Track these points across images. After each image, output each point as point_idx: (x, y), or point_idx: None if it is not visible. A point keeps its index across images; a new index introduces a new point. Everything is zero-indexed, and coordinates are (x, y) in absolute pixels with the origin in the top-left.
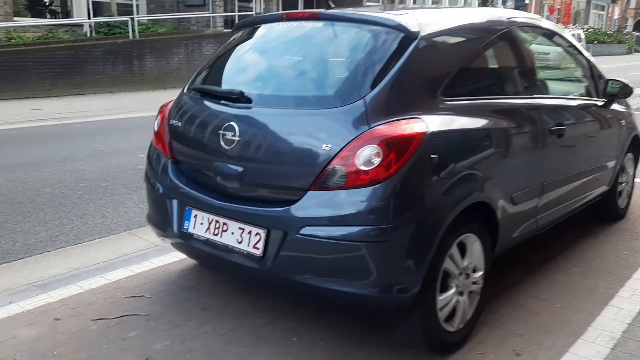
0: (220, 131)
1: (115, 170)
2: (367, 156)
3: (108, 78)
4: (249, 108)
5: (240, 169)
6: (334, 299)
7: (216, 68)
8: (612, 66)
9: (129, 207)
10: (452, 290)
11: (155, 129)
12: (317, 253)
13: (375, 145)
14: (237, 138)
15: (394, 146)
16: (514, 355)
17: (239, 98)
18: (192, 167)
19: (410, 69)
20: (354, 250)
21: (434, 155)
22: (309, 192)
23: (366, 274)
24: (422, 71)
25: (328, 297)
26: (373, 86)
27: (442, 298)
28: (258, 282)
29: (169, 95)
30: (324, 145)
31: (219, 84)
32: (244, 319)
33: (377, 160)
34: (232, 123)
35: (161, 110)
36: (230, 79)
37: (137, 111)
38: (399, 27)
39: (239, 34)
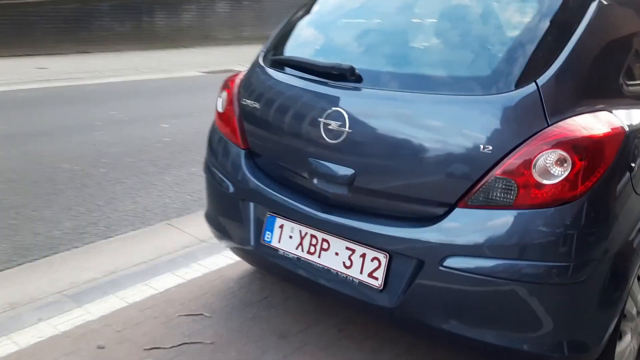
0: (321, 119)
1: (140, 144)
2: (547, 165)
3: (116, 35)
4: (362, 89)
5: (350, 170)
6: (484, 351)
7: (303, 32)
8: None
9: (162, 190)
10: (628, 336)
11: (220, 109)
12: (469, 294)
13: (559, 151)
14: (346, 129)
15: (586, 152)
16: None
17: (346, 75)
18: (274, 162)
19: (591, 40)
20: (526, 294)
21: (633, 164)
22: (457, 210)
23: (538, 325)
24: (605, 43)
25: (474, 348)
26: (546, 65)
27: (619, 350)
28: (374, 317)
29: (182, 56)
30: (481, 147)
31: (312, 54)
32: (334, 350)
33: (561, 172)
34: (339, 109)
35: (226, 86)
36: (328, 49)
37: (149, 72)
38: None
39: None
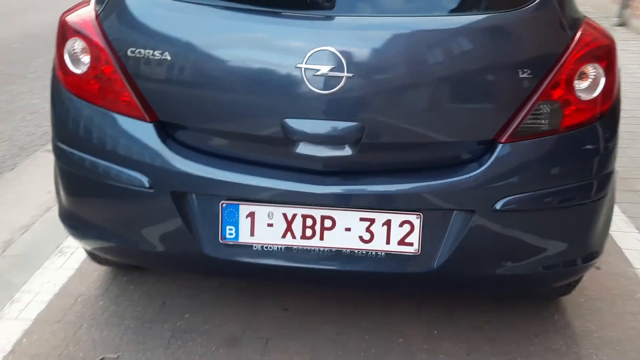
0: (301, 64)
1: None
2: (585, 80)
3: None
4: (353, 18)
5: (354, 124)
6: (532, 283)
7: None
8: None
9: None
10: None
11: (76, 69)
12: (523, 231)
13: (594, 64)
14: (344, 74)
15: (611, 61)
16: None
17: (325, 2)
18: (209, 132)
19: None
20: (573, 216)
21: None
22: (502, 146)
23: (571, 243)
24: None
25: (512, 284)
26: None
27: None
28: (405, 287)
29: None
30: (519, 72)
31: None
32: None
33: (597, 85)
34: (329, 49)
35: (75, 31)
36: None
37: None
38: None
39: None
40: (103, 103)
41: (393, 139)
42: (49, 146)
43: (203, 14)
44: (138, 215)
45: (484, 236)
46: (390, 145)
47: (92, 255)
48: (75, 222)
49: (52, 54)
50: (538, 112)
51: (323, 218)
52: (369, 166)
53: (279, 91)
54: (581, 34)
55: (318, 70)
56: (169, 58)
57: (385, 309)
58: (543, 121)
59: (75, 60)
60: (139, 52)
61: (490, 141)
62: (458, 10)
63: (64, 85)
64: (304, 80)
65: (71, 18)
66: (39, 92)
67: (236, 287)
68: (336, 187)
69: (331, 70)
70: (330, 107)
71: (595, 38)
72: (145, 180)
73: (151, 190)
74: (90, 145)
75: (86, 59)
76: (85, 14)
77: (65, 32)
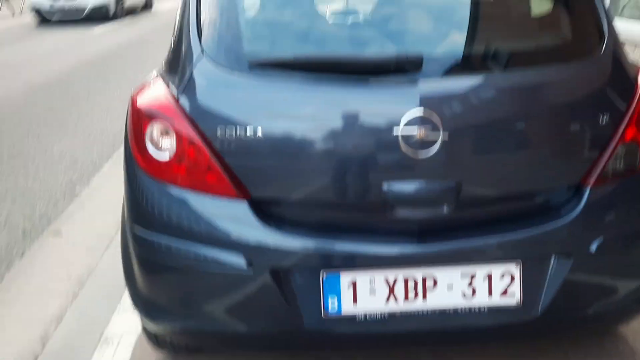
0: (398, 128)
1: None
2: None
3: None
4: (440, 80)
5: (452, 183)
6: (621, 317)
7: (288, 21)
8: None
9: None
10: None
11: (164, 155)
12: (619, 269)
13: None
14: (440, 135)
15: None
16: None
17: (415, 66)
18: (309, 205)
19: None
20: None
21: None
22: (590, 189)
23: None
24: None
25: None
26: (600, 26)
27: None
28: (508, 338)
29: None
30: (598, 118)
31: (334, 47)
32: None
33: None
34: (424, 111)
35: (154, 115)
36: (346, 38)
37: None
38: None
39: None
40: (192, 185)
41: (488, 192)
42: (53, 228)
43: (290, 88)
44: (233, 296)
45: (582, 278)
46: (485, 199)
47: (154, 338)
48: (156, 308)
49: (24, 123)
50: (618, 154)
51: (425, 278)
52: (465, 222)
53: (375, 157)
54: (636, 76)
55: (413, 133)
56: (259, 135)
57: None
58: (623, 163)
59: (158, 146)
60: (228, 132)
61: (578, 185)
62: (536, 62)
63: (145, 171)
64: (400, 145)
65: (147, 102)
66: (20, 172)
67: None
68: (436, 246)
69: (426, 132)
70: (426, 169)
71: None
72: (242, 260)
73: (249, 270)
74: (178, 230)
75: (169, 142)
76: (162, 97)
77: (142, 117)
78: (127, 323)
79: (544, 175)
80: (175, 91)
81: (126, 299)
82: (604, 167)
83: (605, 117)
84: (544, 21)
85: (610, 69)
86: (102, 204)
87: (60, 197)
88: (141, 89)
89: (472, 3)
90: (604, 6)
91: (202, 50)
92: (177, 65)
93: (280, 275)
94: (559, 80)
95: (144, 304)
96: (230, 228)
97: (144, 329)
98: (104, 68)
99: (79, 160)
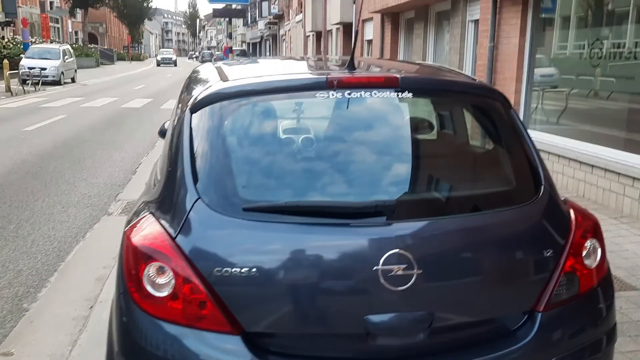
0: (378, 267)
1: None
2: (588, 251)
3: None
4: (412, 222)
5: (424, 313)
6: None
7: (274, 165)
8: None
9: None
10: None
11: (161, 290)
12: None
13: (590, 239)
14: (415, 271)
15: (598, 232)
16: None
17: (389, 211)
18: (295, 337)
19: None
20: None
21: None
22: (541, 314)
23: None
24: None
25: None
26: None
27: None
28: None
29: None
30: (545, 251)
31: (319, 193)
32: None
33: (595, 253)
34: (399, 251)
35: (152, 255)
36: (330, 183)
37: None
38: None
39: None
40: (187, 322)
41: (456, 319)
42: (2, 349)
43: (280, 230)
44: None
45: None
46: (454, 325)
47: None
48: None
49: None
50: (562, 282)
51: None
52: (437, 347)
53: (358, 292)
54: (575, 215)
55: (391, 270)
56: (252, 274)
57: None
58: (567, 289)
59: (155, 283)
60: (226, 271)
61: (531, 311)
62: (491, 206)
63: (140, 307)
64: (380, 281)
65: (145, 241)
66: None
67: None
68: None
69: (403, 269)
70: (403, 301)
71: (585, 217)
72: None
73: None
74: None
75: (167, 281)
76: (158, 236)
77: (140, 255)
78: None
79: (502, 302)
80: (171, 231)
81: None
82: (551, 293)
83: (548, 251)
84: (496, 171)
85: (548, 208)
86: (51, 321)
87: (7, 314)
88: (133, 225)
89: (433, 155)
90: (539, 155)
91: (198, 196)
92: (171, 206)
93: None
94: (509, 221)
95: None
96: None
97: None
98: (40, 169)
99: (23, 271)
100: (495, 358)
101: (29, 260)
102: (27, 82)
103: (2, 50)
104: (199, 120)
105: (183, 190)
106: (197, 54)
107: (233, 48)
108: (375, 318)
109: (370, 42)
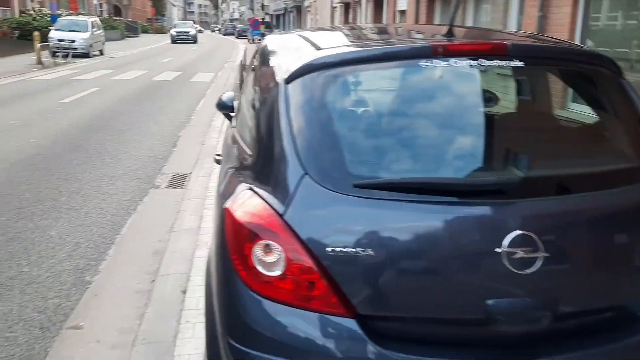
0: (500, 249)
1: None
2: None
3: None
4: (538, 200)
5: (550, 298)
6: None
7: (384, 147)
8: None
9: None
10: None
11: (274, 270)
12: None
13: None
14: (541, 254)
15: None
16: None
17: (510, 189)
18: (408, 321)
19: None
20: None
21: None
22: None
23: None
24: None
25: None
26: None
27: None
28: None
29: None
30: None
31: (434, 169)
32: None
33: None
34: (525, 232)
35: (258, 233)
36: (445, 159)
37: None
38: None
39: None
40: (299, 302)
41: (582, 305)
42: (71, 322)
43: (395, 208)
44: None
45: None
46: (579, 312)
47: None
48: None
49: (13, 203)
50: None
51: None
52: (562, 335)
53: (479, 275)
54: None
55: (516, 252)
56: (370, 254)
57: None
58: None
59: (264, 262)
60: (339, 251)
61: None
62: (616, 183)
63: (248, 286)
64: (503, 263)
65: (252, 219)
66: (23, 257)
67: None
68: (534, 358)
69: (528, 251)
70: (527, 285)
71: None
72: None
73: None
74: (283, 347)
75: (276, 259)
76: (265, 214)
77: (247, 234)
78: None
79: (630, 287)
80: (279, 208)
81: None
82: None
83: None
84: (616, 146)
85: None
86: (115, 294)
87: (71, 287)
88: (234, 202)
89: (559, 131)
90: None
91: (305, 171)
92: (273, 182)
93: None
94: (636, 199)
95: None
96: (339, 345)
97: None
98: (82, 142)
99: (80, 244)
100: (621, 347)
101: (85, 233)
102: (57, 54)
103: (32, 22)
104: (297, 91)
105: (286, 166)
106: (219, 26)
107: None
108: (496, 303)
109: (403, 12)
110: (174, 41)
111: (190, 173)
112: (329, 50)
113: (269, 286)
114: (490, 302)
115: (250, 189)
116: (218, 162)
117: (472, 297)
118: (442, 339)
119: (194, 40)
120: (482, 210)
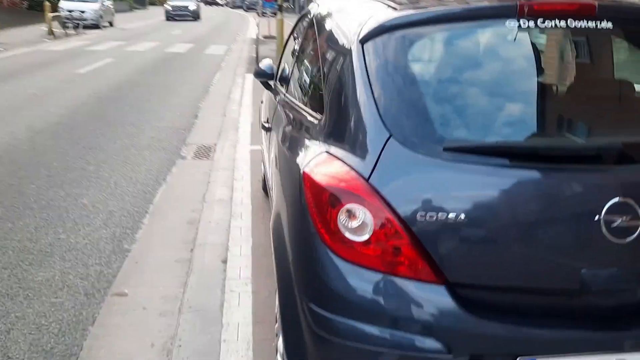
0: (600, 216)
1: None
2: None
3: None
4: (637, 167)
5: None
6: None
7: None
8: (144, 24)
9: None
10: None
11: (351, 235)
12: None
13: None
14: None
15: None
16: None
17: (612, 154)
18: (499, 289)
19: None
20: None
21: None
22: None
23: None
24: None
25: None
26: None
27: None
28: None
29: None
30: None
31: (526, 133)
32: None
33: None
34: (624, 199)
35: (345, 196)
36: (539, 123)
37: None
38: None
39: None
40: (387, 269)
41: None
42: (115, 290)
43: (487, 173)
44: None
45: None
46: None
47: None
48: None
49: (42, 170)
50: None
51: None
52: None
53: (575, 244)
54: None
55: (614, 220)
56: (461, 219)
57: None
58: None
59: (350, 227)
60: (429, 216)
61: None
62: None
63: (333, 251)
64: (601, 231)
65: (336, 183)
66: (59, 225)
67: None
68: (629, 332)
69: (628, 220)
70: (626, 255)
71: None
72: (442, 346)
73: (449, 357)
74: (369, 313)
75: (363, 224)
76: (350, 177)
77: (332, 199)
78: None
79: None
80: (364, 172)
81: None
82: None
83: None
84: None
85: None
86: (156, 263)
87: (110, 254)
88: (313, 166)
89: None
90: None
91: (390, 134)
92: (354, 145)
93: None
94: None
95: None
96: (428, 313)
97: None
98: (102, 112)
99: (114, 212)
100: None
101: (117, 202)
102: (67, 25)
103: None
104: (375, 51)
105: (369, 129)
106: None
107: None
108: (591, 273)
109: None
110: (168, 18)
111: (215, 144)
112: (407, 9)
113: (355, 251)
114: (584, 271)
115: (327, 152)
116: (267, 129)
117: (566, 266)
118: (534, 310)
119: (194, 16)
120: (579, 177)
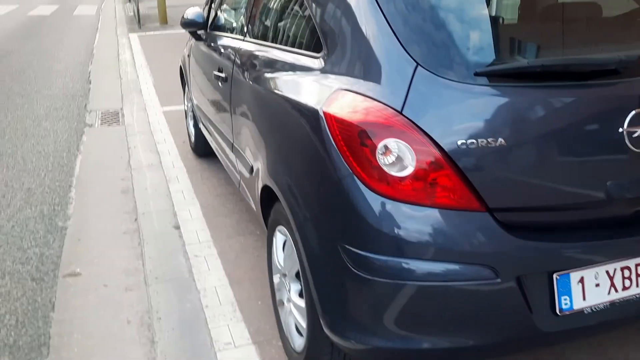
0: (622, 128)
1: None
2: None
3: None
4: None
5: None
6: None
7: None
8: None
9: None
10: None
11: (401, 171)
12: None
13: None
14: None
15: None
16: None
17: (630, 67)
18: (537, 208)
19: None
20: None
21: None
22: None
23: None
24: None
25: None
26: None
27: None
28: None
29: None
30: None
31: (550, 52)
32: None
33: None
34: None
35: (380, 130)
36: (561, 41)
37: None
38: None
39: None
40: (431, 201)
41: None
42: (65, 270)
43: (518, 95)
44: (474, 309)
45: None
46: None
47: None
48: (365, 328)
49: None
50: None
51: (637, 266)
52: None
53: (601, 157)
54: None
55: (636, 131)
56: (498, 144)
57: None
58: None
59: (389, 163)
60: (470, 143)
61: None
62: None
63: (374, 190)
64: (625, 142)
65: (366, 118)
66: None
67: None
68: None
69: None
70: None
71: None
72: (490, 271)
73: (498, 281)
74: (415, 249)
75: (402, 158)
76: (380, 112)
77: (367, 135)
78: None
79: None
80: (395, 104)
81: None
82: None
83: None
84: None
85: None
86: (101, 237)
87: (45, 234)
88: (335, 105)
89: None
90: None
91: (416, 62)
92: (377, 78)
93: (522, 282)
94: None
95: (348, 324)
96: (475, 241)
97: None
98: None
99: (33, 189)
100: None
101: (33, 178)
102: None
103: None
104: None
105: (392, 59)
106: None
107: None
108: (616, 184)
109: None
110: None
111: (122, 109)
112: None
113: (396, 187)
114: (610, 183)
115: (346, 89)
116: (223, 79)
117: (594, 179)
118: (569, 225)
119: None
120: (602, 90)
